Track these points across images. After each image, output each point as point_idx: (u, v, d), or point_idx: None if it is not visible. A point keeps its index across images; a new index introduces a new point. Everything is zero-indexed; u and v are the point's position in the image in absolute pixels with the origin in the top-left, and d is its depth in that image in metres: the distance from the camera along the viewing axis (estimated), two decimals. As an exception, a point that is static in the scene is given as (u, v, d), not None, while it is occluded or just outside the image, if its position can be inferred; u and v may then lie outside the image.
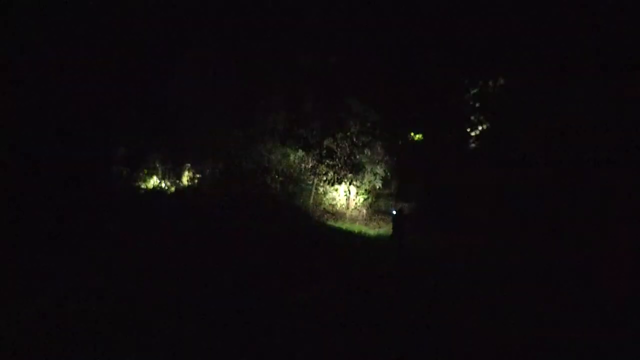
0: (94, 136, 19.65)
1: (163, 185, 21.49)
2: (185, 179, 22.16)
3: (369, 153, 23.97)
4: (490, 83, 21.54)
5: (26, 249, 10.19)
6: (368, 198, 24.82)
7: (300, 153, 23.25)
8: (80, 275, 9.25)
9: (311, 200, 23.78)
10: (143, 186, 20.88)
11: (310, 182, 23.93)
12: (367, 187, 24.41)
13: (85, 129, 19.41)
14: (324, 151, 22.95)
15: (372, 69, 22.28)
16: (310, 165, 23.61)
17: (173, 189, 21.36)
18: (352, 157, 23.57)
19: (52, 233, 11.00)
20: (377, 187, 24.33)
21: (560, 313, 9.25)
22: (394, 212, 17.95)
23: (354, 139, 23.36)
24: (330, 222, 22.49)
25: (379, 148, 24.07)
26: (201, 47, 20.89)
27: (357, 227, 21.91)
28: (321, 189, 24.24)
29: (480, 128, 22.00)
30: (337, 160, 23.31)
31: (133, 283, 9.26)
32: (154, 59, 19.73)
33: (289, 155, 23.28)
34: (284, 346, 7.12)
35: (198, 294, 9.11)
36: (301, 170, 23.86)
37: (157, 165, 21.81)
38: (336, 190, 24.52)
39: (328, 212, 23.99)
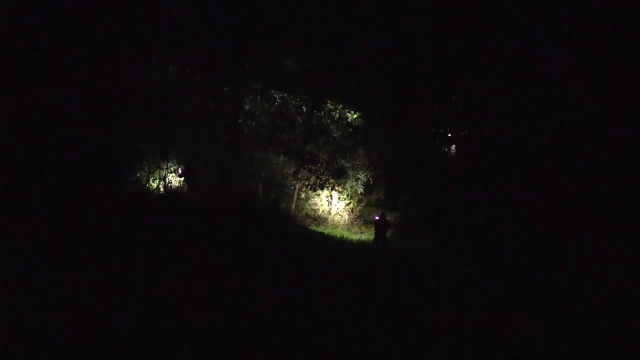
0: (87, 137, 19.32)
1: (150, 185, 21.23)
2: (171, 182, 21.89)
3: (351, 158, 24.01)
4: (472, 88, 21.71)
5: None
6: (350, 203, 24.82)
7: (283, 158, 23.16)
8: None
9: (293, 205, 23.70)
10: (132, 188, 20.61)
11: (293, 187, 23.84)
12: (349, 193, 24.42)
13: (78, 130, 19.08)
14: (306, 156, 22.90)
15: (356, 74, 22.33)
16: (293, 170, 23.54)
17: (161, 190, 21.08)
18: (335, 163, 23.56)
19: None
20: (360, 192, 24.34)
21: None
22: (376, 218, 17.98)
23: (337, 144, 23.37)
24: (313, 227, 22.42)
25: (361, 153, 24.12)
26: (186, 49, 20.72)
27: (339, 233, 21.88)
28: (303, 194, 24.18)
29: (463, 133, 22.19)
30: (319, 165, 23.28)
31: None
32: (143, 62, 19.51)
33: (271, 160, 23.17)
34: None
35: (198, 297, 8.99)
36: (283, 175, 23.78)
37: (146, 168, 21.53)
38: (318, 195, 24.48)
39: (310, 217, 23.94)
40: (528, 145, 17.06)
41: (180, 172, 20.15)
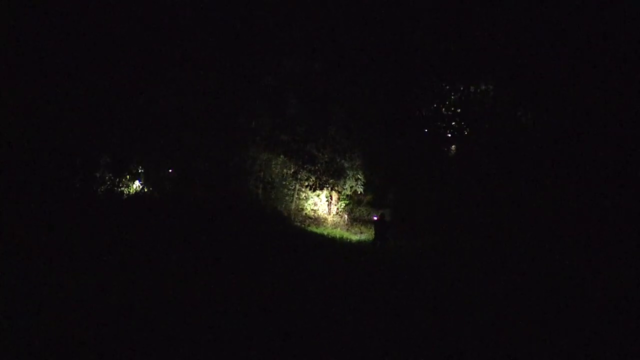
0: (77, 140, 19.35)
1: (146, 190, 21.16)
2: (168, 184, 21.83)
3: (351, 158, 23.92)
4: (472, 88, 21.71)
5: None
6: (349, 204, 24.76)
7: (282, 158, 23.10)
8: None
9: (293, 206, 23.66)
10: (126, 191, 20.59)
11: (292, 188, 23.79)
12: (349, 192, 24.36)
13: (68, 133, 19.11)
14: (306, 156, 22.85)
15: (355, 75, 22.27)
16: (292, 170, 23.48)
17: (156, 193, 21.02)
18: (334, 163, 23.49)
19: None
20: (359, 192, 24.28)
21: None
22: (375, 218, 17.97)
23: (336, 145, 23.29)
24: (312, 228, 22.37)
25: (360, 154, 24.02)
26: (185, 51, 20.69)
27: (339, 233, 21.83)
28: (303, 195, 24.11)
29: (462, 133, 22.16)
30: (318, 165, 23.22)
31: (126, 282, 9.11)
32: (139, 63, 19.49)
33: (271, 161, 23.11)
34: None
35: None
36: (283, 175, 23.72)
37: (140, 170, 21.51)
38: (318, 195, 24.42)
39: (310, 217, 23.89)
40: (528, 145, 17.05)
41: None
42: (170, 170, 21.19)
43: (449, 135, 21.72)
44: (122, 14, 18.64)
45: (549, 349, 7.56)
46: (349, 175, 23.80)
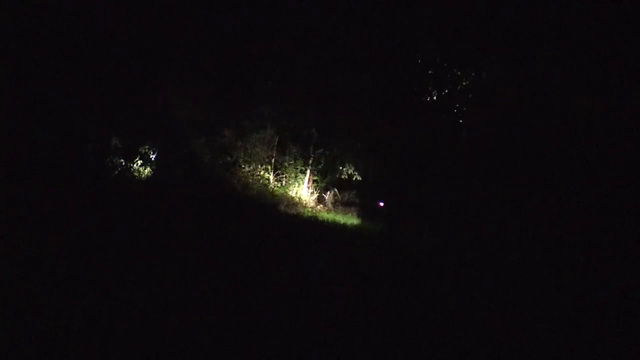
0: (88, 126, 19.78)
1: (156, 175, 21.60)
2: (178, 170, 22.21)
3: (363, 144, 23.78)
4: (484, 74, 21.33)
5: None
6: (359, 191, 24.76)
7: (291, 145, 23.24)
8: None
9: (303, 192, 23.78)
10: (137, 176, 21.11)
11: (302, 174, 23.92)
12: (359, 179, 24.33)
13: (78, 119, 19.53)
14: (315, 142, 22.95)
15: (362, 61, 22.10)
16: (302, 157, 23.61)
17: (166, 179, 21.43)
18: (346, 149, 23.46)
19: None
20: (370, 179, 24.19)
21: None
22: (381, 205, 17.94)
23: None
24: (323, 214, 22.49)
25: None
26: (194, 43, 20.90)
27: (349, 219, 21.84)
28: (312, 182, 24.23)
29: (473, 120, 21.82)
30: (328, 152, 23.27)
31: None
32: (147, 52, 19.76)
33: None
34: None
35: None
36: (295, 162, 23.86)
37: (151, 156, 21.95)
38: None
39: (321, 203, 24.04)
40: (536, 141, 16.71)
41: None
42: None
43: (460, 121, 21.42)
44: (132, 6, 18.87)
45: (549, 349, 7.51)
46: (359, 162, 23.74)
